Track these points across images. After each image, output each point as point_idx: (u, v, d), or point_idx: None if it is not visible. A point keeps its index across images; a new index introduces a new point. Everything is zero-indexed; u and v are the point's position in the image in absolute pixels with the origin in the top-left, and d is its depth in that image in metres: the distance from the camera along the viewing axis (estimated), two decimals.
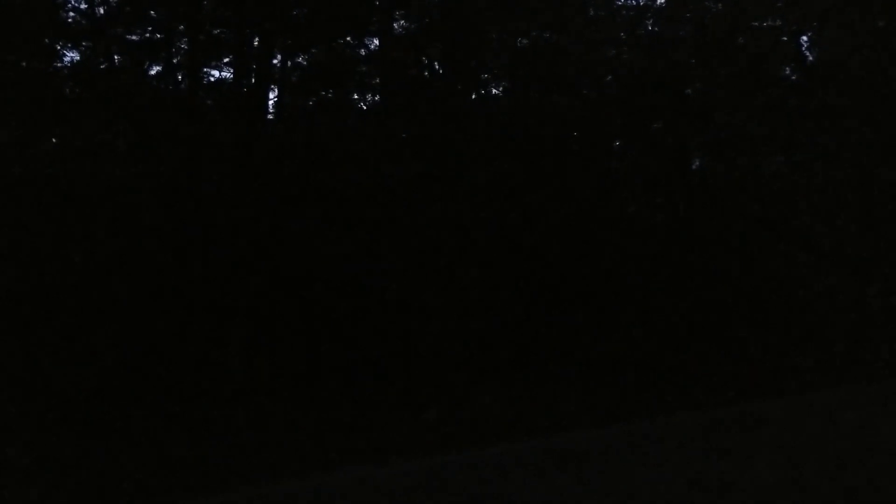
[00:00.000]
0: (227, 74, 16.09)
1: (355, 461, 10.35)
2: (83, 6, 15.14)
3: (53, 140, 15.48)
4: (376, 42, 16.61)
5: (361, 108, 16.73)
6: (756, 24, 19.41)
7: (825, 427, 11.83)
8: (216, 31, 16.05)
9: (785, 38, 19.82)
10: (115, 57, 15.56)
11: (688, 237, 19.03)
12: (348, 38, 16.39)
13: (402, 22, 16.71)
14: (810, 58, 20.43)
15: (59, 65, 15.23)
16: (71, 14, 15.19)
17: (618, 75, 18.71)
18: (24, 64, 14.70)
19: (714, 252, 19.12)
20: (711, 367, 16.64)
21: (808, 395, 14.96)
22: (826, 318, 18.90)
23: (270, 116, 16.11)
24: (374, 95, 16.70)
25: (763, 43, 19.11)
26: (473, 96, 17.53)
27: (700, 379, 15.89)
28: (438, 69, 16.98)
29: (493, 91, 17.94)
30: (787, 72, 20.26)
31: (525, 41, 18.17)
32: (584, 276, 17.70)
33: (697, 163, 20.15)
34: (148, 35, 15.75)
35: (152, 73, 15.89)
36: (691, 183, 19.46)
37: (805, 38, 20.27)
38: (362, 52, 16.55)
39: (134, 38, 15.62)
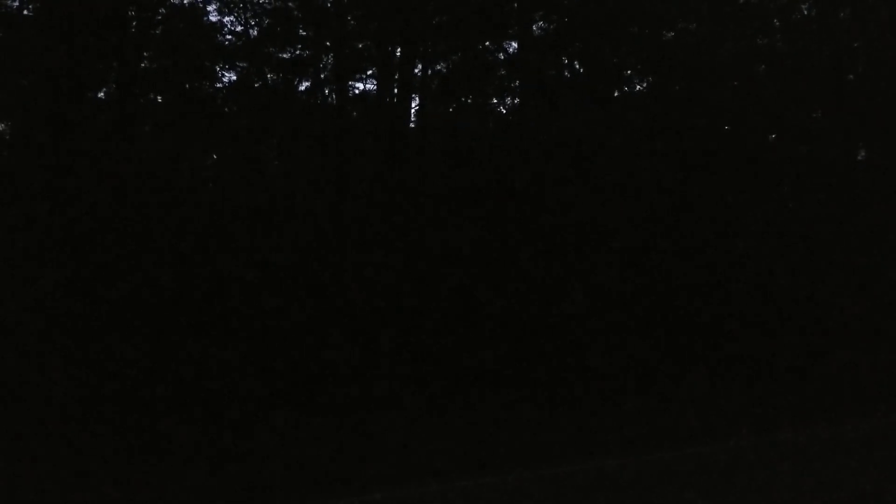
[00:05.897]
0: (370, 86, 16.64)
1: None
2: (238, 28, 16.10)
3: (214, 156, 16.58)
4: (514, 45, 16.61)
5: (501, 111, 16.76)
6: None
7: None
8: (360, 45, 16.61)
9: None
10: (268, 75, 16.43)
11: (854, 236, 17.75)
12: (487, 44, 16.45)
13: (540, 23, 16.60)
14: None
15: (218, 85, 16.28)
16: (228, 37, 16.16)
17: (772, 64, 17.75)
18: (186, 86, 15.80)
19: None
20: None
21: None
22: None
23: (412, 124, 16.45)
24: (513, 99, 16.69)
25: None
26: (616, 94, 17.15)
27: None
28: (579, 68, 16.75)
29: (637, 87, 17.46)
30: None
31: (671, 34, 17.60)
32: (737, 275, 16.92)
33: (863, 153, 18.76)
34: (297, 52, 16.52)
35: (301, 88, 16.65)
36: (857, 176, 18.15)
37: None
38: (501, 56, 16.57)
39: (284, 56, 16.41)
